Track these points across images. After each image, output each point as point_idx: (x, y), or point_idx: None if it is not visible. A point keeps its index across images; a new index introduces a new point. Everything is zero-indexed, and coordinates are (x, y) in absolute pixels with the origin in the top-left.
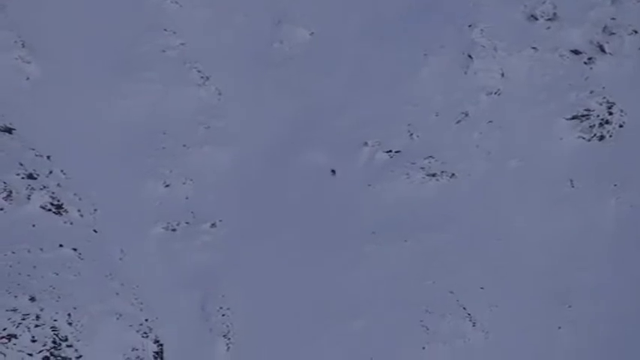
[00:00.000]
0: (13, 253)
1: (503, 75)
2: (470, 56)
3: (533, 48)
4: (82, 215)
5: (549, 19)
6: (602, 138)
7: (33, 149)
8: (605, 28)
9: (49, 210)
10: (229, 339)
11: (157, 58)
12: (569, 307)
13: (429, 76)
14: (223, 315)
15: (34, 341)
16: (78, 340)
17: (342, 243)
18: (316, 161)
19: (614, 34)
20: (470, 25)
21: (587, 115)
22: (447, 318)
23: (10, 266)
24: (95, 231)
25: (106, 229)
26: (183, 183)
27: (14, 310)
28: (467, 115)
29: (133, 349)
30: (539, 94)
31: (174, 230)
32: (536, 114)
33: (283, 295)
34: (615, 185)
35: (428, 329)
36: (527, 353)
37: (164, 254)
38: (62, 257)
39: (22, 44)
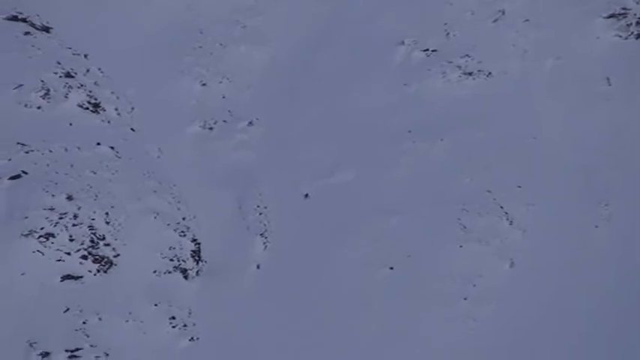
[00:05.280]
0: (50, 151)
1: None
2: None
3: None
4: (119, 114)
5: None
6: (638, 36)
7: (70, 48)
8: None
9: (87, 108)
10: (266, 237)
11: None
12: (606, 205)
13: None
14: (260, 214)
15: (71, 240)
16: (115, 239)
17: (378, 141)
18: (353, 59)
19: None
20: None
21: (624, 13)
22: (484, 216)
23: (48, 165)
24: (132, 129)
25: (143, 128)
26: (220, 82)
27: (51, 209)
28: (503, 13)
29: (170, 248)
30: None
31: (211, 129)
32: (573, 12)
33: (320, 192)
34: None
35: (465, 228)
36: (564, 251)
37: (201, 153)
38: (99, 156)
39: None
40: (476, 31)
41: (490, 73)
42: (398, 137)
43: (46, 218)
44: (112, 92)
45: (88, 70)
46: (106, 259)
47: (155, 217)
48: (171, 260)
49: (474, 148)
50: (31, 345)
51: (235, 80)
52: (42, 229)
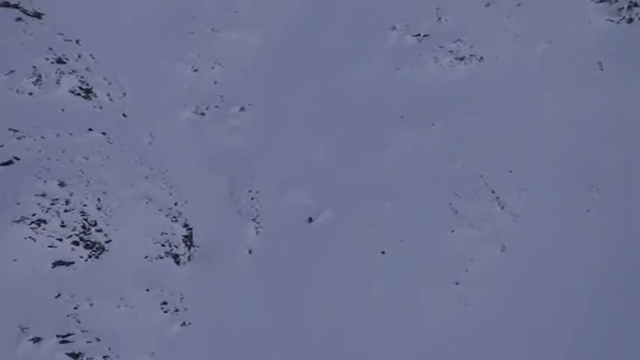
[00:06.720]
0: (42, 137)
1: None
2: None
3: None
4: (111, 99)
5: None
6: (630, 21)
7: (62, 34)
8: None
9: (78, 94)
10: (258, 222)
11: None
12: (598, 190)
13: None
14: (252, 198)
15: (63, 226)
16: (107, 225)
17: (370, 126)
18: (345, 45)
19: None
20: None
21: None
22: (476, 201)
23: (39, 151)
24: (124, 115)
25: (135, 114)
26: (212, 67)
27: (43, 195)
28: None
29: (162, 233)
30: None
31: (203, 114)
32: None
33: (312, 180)
34: None
35: (457, 212)
36: (555, 236)
37: (193, 138)
38: (91, 141)
39: None
40: (468, 16)
41: (482, 58)
42: (390, 122)
43: (38, 204)
44: (104, 78)
45: (79, 56)
46: (97, 245)
47: (147, 203)
48: (163, 245)
49: (466, 133)
50: (22, 330)
51: (227, 65)
52: (34, 215)
